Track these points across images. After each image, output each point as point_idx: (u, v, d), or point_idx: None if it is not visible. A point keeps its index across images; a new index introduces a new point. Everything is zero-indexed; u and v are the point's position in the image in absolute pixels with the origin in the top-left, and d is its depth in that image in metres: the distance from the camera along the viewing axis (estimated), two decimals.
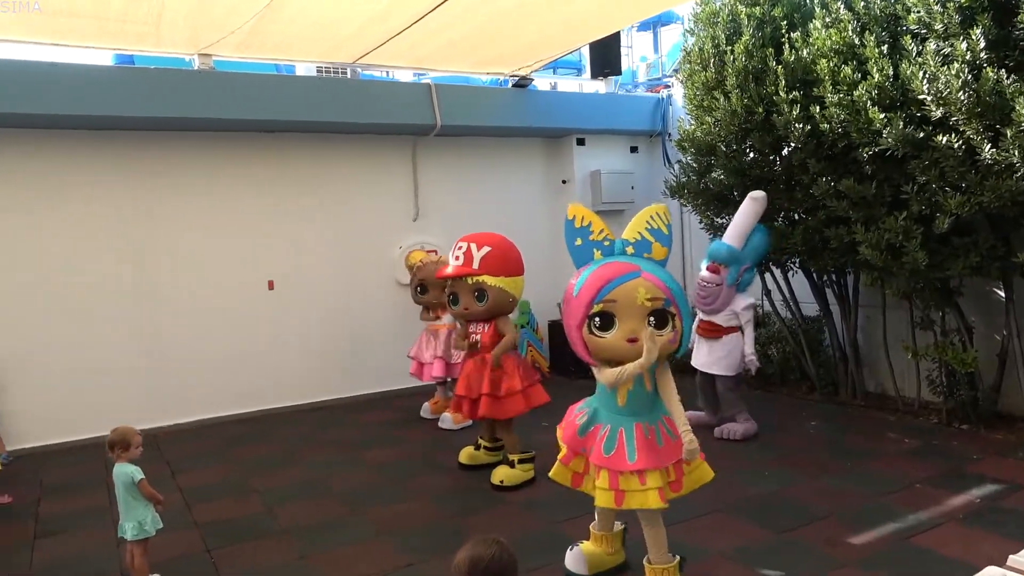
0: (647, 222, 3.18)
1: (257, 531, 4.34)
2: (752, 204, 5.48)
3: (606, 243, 3.24)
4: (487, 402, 4.88)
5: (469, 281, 4.86)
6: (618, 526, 3.61)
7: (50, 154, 6.37)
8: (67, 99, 5.86)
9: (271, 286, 7.29)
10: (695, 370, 5.89)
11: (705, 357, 5.73)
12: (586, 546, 3.58)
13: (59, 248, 6.43)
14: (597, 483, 3.24)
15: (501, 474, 4.86)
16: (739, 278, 5.53)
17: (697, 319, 5.78)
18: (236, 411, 7.11)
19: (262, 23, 5.75)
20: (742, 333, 5.63)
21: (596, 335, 3.10)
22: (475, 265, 4.81)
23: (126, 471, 3.53)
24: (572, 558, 3.52)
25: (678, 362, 7.58)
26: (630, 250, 3.20)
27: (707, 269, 5.56)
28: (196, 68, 6.57)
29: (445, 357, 6.54)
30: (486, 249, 4.83)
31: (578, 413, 3.40)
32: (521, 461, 4.88)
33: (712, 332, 5.67)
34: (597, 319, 3.09)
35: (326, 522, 4.42)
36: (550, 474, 3.48)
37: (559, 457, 3.43)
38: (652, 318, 3.05)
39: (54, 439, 6.36)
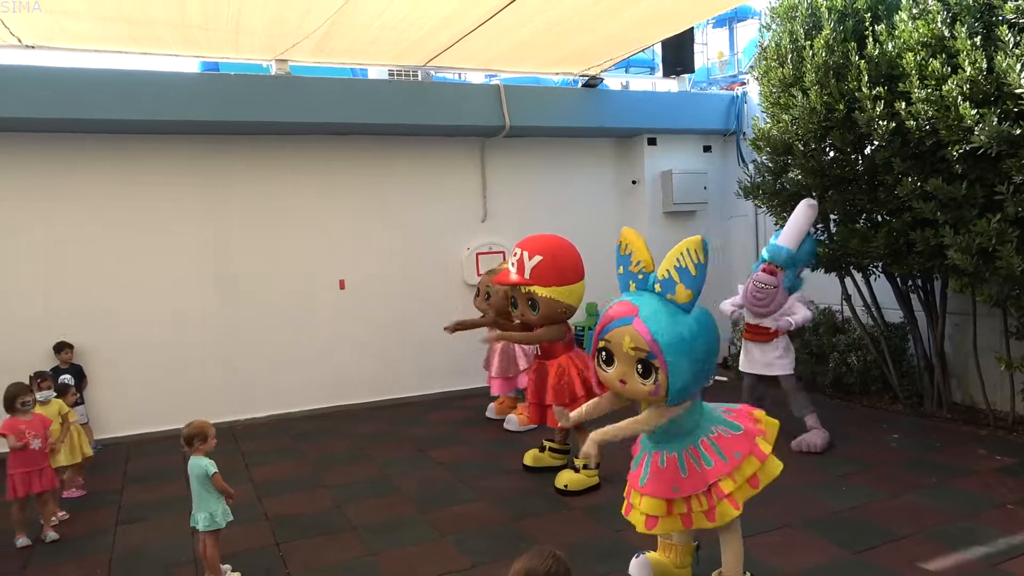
0: (677, 259, 2.96)
1: (325, 526, 4.42)
2: (808, 210, 5.46)
3: (640, 276, 3.14)
4: (551, 412, 4.88)
5: (523, 290, 4.84)
6: (689, 541, 3.49)
7: (137, 158, 6.69)
8: (154, 105, 6.14)
9: (342, 286, 7.45)
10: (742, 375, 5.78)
11: (759, 361, 5.58)
12: (653, 555, 3.51)
13: (145, 248, 6.74)
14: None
15: (566, 478, 4.81)
16: (793, 281, 5.47)
17: (743, 324, 5.73)
18: (308, 407, 7.30)
19: (335, 28, 5.87)
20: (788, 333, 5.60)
21: (602, 368, 3.16)
22: (527, 275, 4.73)
23: (201, 464, 3.65)
24: (637, 565, 3.45)
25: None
26: (657, 288, 3.05)
27: (763, 270, 5.44)
28: (273, 73, 6.76)
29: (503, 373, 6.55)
30: (537, 259, 4.71)
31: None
32: (587, 466, 4.81)
33: (761, 336, 5.53)
34: (603, 353, 3.13)
35: (392, 520, 4.47)
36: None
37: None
38: (639, 365, 2.99)
39: (139, 430, 6.68)
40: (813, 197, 6.11)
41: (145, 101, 6.09)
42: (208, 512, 3.64)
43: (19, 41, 5.70)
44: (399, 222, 7.67)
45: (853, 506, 4.34)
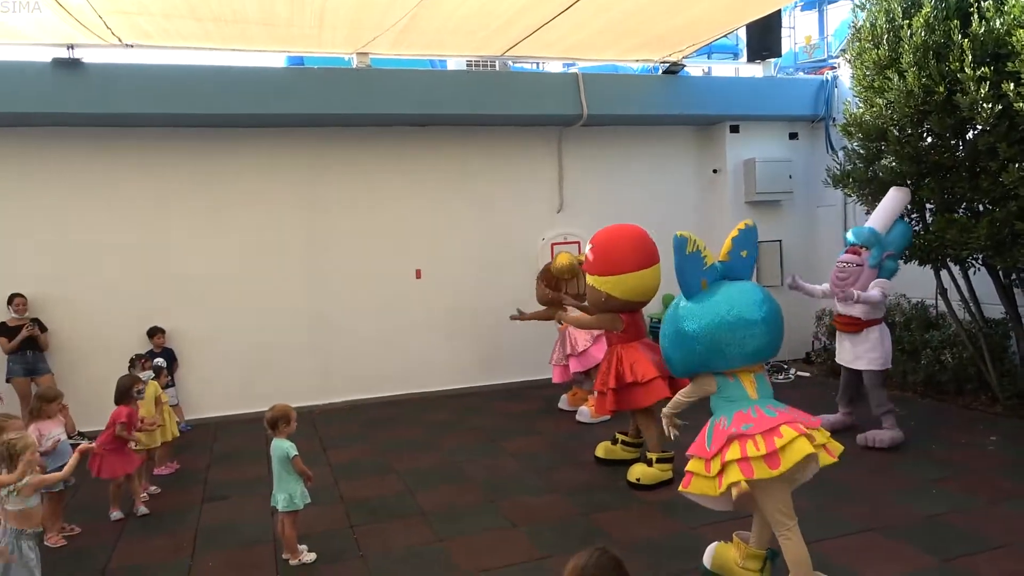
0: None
1: (398, 511, 4.50)
2: (899, 194, 5.39)
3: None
4: (612, 395, 4.82)
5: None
6: (762, 547, 3.38)
7: (233, 151, 6.99)
8: (242, 99, 6.39)
9: (418, 275, 7.55)
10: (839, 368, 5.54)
11: (849, 353, 5.39)
12: (722, 545, 3.46)
13: (235, 238, 7.04)
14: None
15: (638, 472, 4.74)
16: (881, 261, 5.24)
17: (836, 313, 5.52)
18: (383, 393, 7.46)
19: (415, 20, 5.92)
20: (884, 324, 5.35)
21: None
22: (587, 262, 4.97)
23: (283, 446, 3.77)
24: (707, 552, 3.48)
25: (835, 363, 7.10)
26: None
27: (848, 251, 5.34)
28: (355, 66, 6.89)
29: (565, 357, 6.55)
30: (589, 247, 4.90)
31: None
32: (660, 460, 4.73)
33: (851, 326, 5.32)
34: None
35: (463, 508, 4.51)
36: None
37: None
38: None
39: (225, 412, 6.97)
40: (909, 185, 5.80)
41: (232, 96, 6.34)
42: (288, 493, 3.76)
43: (119, 40, 6.00)
44: (475, 212, 7.71)
45: (943, 512, 4.09)
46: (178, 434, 5.48)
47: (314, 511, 4.17)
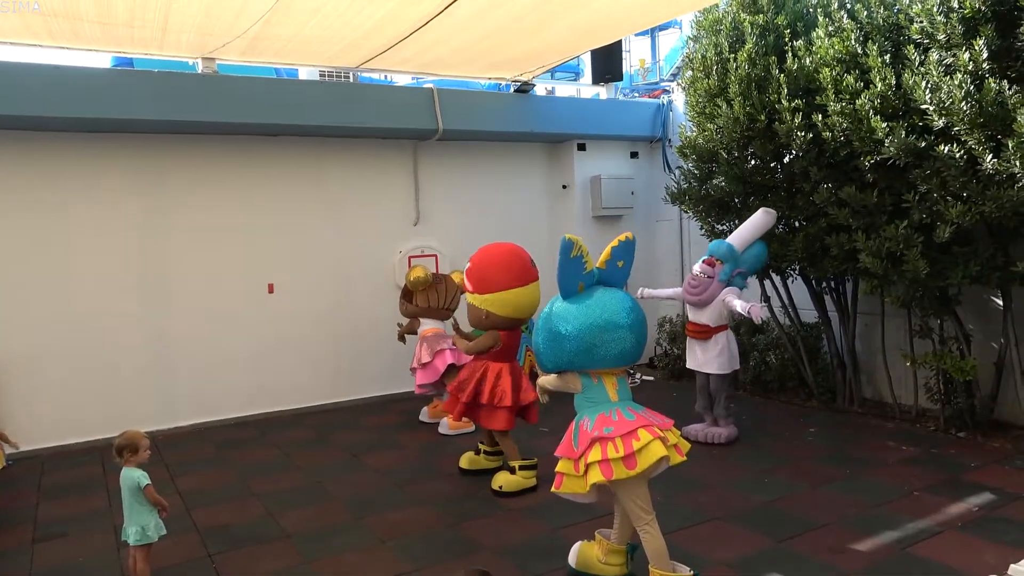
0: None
1: (258, 536, 4.33)
2: (764, 216, 5.71)
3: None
4: (484, 412, 4.96)
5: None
6: (623, 542, 3.62)
7: (51, 156, 6.36)
8: (70, 101, 5.85)
9: (271, 289, 7.29)
10: (693, 374, 5.93)
11: (699, 358, 5.78)
12: (585, 544, 3.69)
13: (61, 249, 6.42)
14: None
15: (501, 480, 4.88)
16: (731, 278, 5.61)
17: (687, 322, 5.88)
18: (235, 415, 7.11)
19: (267, 27, 5.75)
20: (730, 329, 5.81)
21: None
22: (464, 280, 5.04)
23: (133, 476, 3.53)
24: (572, 551, 3.69)
25: (676, 367, 7.61)
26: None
27: (704, 262, 5.66)
28: (200, 72, 6.56)
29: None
30: (467, 266, 5.00)
31: None
32: (522, 468, 4.89)
33: (701, 334, 5.71)
34: None
35: (327, 527, 4.42)
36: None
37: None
38: None
39: (54, 442, 6.35)
40: (736, 203, 6.41)
41: (59, 97, 5.79)
42: (140, 526, 3.52)
43: None
44: (330, 225, 7.56)
45: (774, 498, 4.56)
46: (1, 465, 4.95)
47: (166, 542, 3.89)
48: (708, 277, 5.58)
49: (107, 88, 6.00)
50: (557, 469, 3.45)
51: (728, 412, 5.75)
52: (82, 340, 6.48)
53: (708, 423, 5.87)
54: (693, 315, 5.74)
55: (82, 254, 6.49)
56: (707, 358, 5.70)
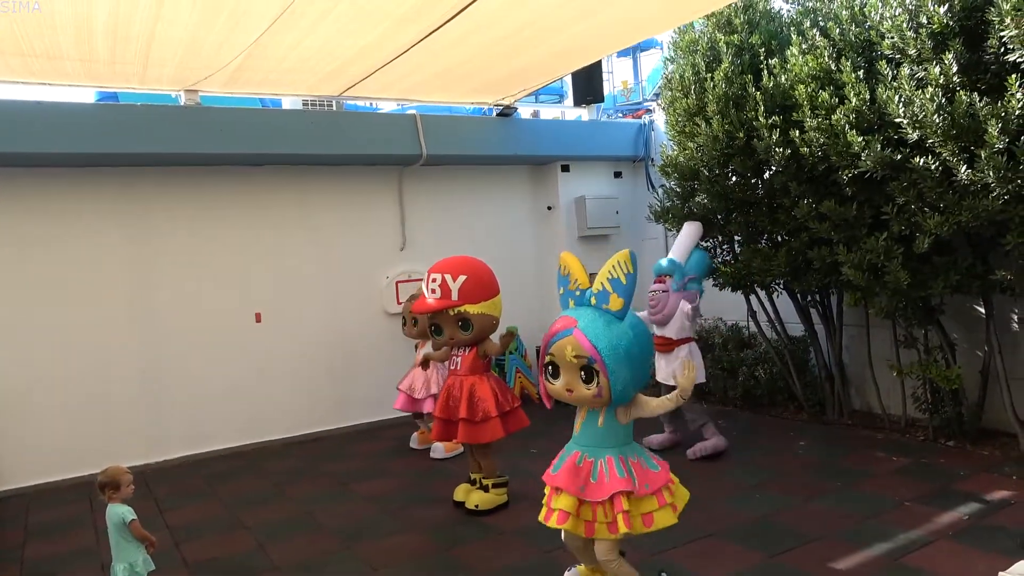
0: (609, 272, 3.26)
1: (248, 569, 4.29)
2: (692, 227, 6.05)
3: (577, 293, 3.41)
4: (464, 427, 4.86)
5: (451, 312, 4.85)
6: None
7: (36, 191, 6.35)
8: (53, 137, 5.86)
9: (258, 319, 7.27)
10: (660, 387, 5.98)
11: (664, 371, 5.86)
12: (582, 569, 3.62)
13: (45, 285, 6.39)
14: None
15: (476, 499, 4.89)
16: (683, 285, 5.80)
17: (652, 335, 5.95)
18: (223, 446, 7.05)
19: (250, 59, 5.80)
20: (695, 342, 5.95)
21: (549, 382, 3.39)
22: (455, 297, 4.79)
23: (118, 512, 3.50)
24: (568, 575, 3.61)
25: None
26: (593, 300, 3.32)
27: (656, 281, 5.90)
28: (182, 104, 6.60)
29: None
30: (462, 279, 4.79)
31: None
32: (495, 485, 4.92)
33: (666, 347, 5.82)
34: (549, 368, 3.37)
35: (319, 558, 4.38)
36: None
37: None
38: (582, 372, 3.22)
39: (41, 479, 6.28)
40: (719, 220, 6.47)
41: (44, 133, 5.81)
42: (127, 563, 3.48)
43: None
44: (317, 253, 7.57)
45: (767, 513, 4.56)
46: None
47: None
48: (663, 291, 5.78)
49: (90, 123, 6.02)
50: (622, 509, 3.19)
51: (704, 422, 5.80)
52: (69, 375, 6.43)
53: (668, 433, 6.06)
54: (658, 330, 5.85)
55: (69, 288, 6.47)
56: (671, 371, 5.77)
